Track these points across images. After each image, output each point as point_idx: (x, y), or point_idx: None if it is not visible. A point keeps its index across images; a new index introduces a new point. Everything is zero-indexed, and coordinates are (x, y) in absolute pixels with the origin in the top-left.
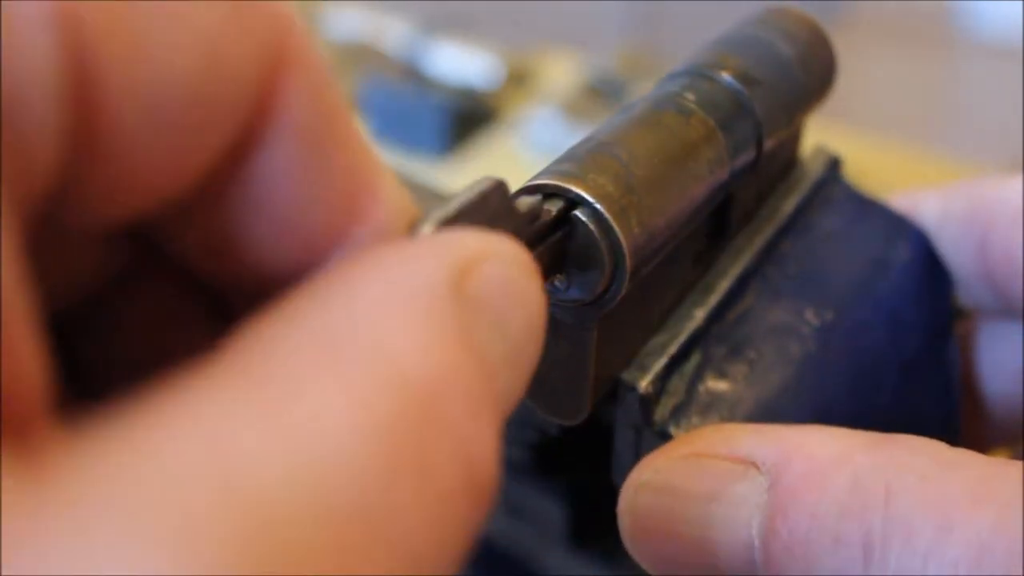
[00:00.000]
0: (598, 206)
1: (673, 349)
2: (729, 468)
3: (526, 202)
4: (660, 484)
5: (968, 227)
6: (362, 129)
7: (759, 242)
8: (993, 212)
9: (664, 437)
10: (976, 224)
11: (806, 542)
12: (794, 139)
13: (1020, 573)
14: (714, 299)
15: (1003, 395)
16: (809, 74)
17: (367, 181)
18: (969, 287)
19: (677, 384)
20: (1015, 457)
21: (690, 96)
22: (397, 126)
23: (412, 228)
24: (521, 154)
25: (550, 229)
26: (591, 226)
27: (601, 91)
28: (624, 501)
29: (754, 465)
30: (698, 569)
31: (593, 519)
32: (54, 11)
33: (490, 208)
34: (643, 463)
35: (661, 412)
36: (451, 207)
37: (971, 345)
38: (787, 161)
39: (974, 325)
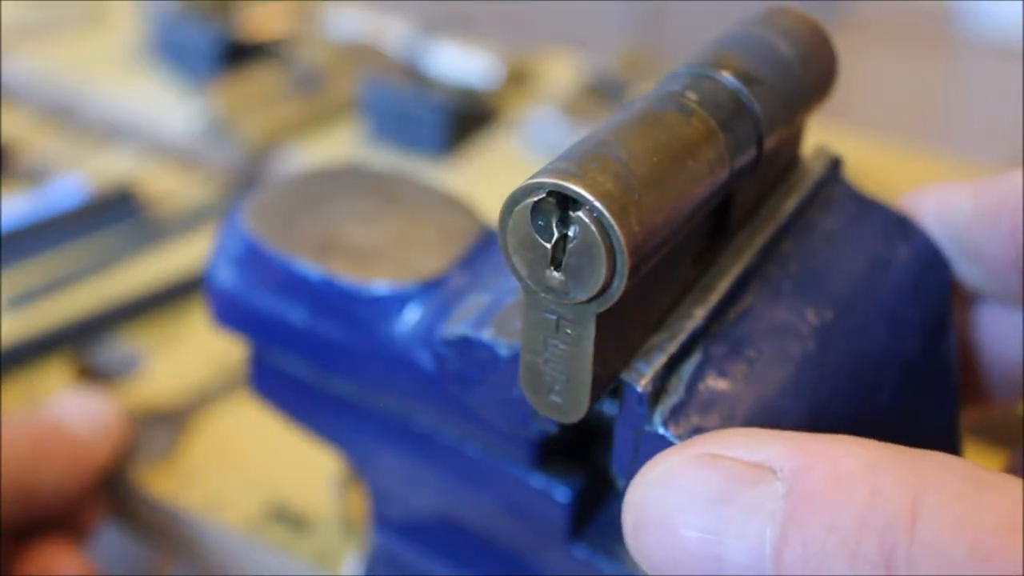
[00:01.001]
0: (598, 204)
1: (673, 348)
2: (743, 471)
3: None
4: (669, 481)
5: (1000, 219)
6: None
7: (759, 241)
8: None
9: (664, 436)
10: (1007, 215)
11: (821, 555)
12: (795, 139)
13: None
14: (714, 298)
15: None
16: (810, 73)
17: None
18: (1002, 278)
19: (677, 383)
20: (1015, 456)
21: (691, 95)
22: (397, 126)
23: None
24: (521, 154)
25: None
26: (591, 225)
27: (601, 91)
28: (630, 496)
29: (771, 470)
30: (700, 573)
31: (593, 518)
32: None
33: None
34: (654, 459)
35: (661, 411)
36: None
37: (973, 326)
38: (788, 161)
39: (976, 305)
